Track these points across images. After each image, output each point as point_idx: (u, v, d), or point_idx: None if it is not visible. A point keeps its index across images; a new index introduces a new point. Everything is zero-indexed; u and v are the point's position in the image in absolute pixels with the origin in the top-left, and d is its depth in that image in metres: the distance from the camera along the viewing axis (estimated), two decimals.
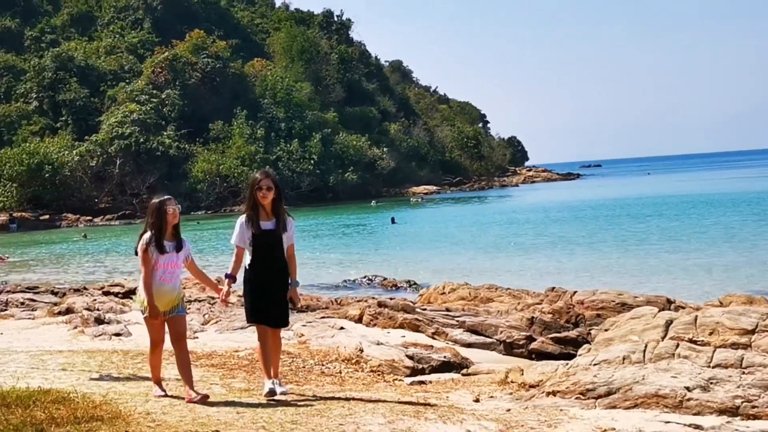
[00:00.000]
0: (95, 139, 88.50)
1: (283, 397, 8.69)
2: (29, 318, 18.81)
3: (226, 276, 8.90)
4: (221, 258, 35.67)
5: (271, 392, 8.61)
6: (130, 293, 23.34)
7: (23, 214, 79.84)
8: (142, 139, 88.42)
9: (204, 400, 8.29)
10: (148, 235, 8.62)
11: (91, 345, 14.03)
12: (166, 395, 8.64)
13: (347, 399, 9.11)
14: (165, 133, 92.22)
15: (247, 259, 8.86)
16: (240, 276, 9.07)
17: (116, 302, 20.56)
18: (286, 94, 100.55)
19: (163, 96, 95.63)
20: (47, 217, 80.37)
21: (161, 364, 8.94)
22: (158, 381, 8.84)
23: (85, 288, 25.72)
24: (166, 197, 8.72)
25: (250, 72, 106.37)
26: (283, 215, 8.83)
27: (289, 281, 8.91)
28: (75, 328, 16.04)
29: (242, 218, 8.81)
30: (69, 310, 18.57)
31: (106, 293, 23.48)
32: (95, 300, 20.49)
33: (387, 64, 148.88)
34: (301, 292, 8.89)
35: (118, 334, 15.35)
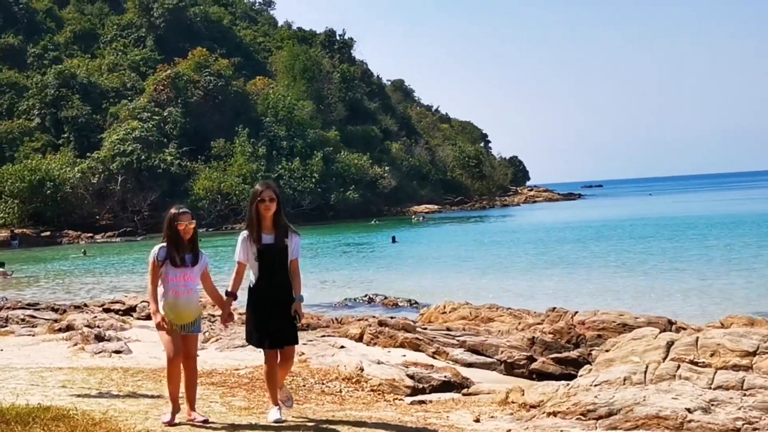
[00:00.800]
0: (97, 156, 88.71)
1: (285, 411, 8.65)
2: (29, 335, 18.80)
3: (227, 294, 8.47)
4: (220, 276, 35.63)
5: (278, 421, 8.29)
6: (130, 310, 23.34)
7: (24, 230, 79.94)
8: (143, 157, 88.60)
9: (204, 424, 8.11)
10: (158, 246, 8.29)
11: (91, 362, 14.00)
12: (172, 423, 8.11)
13: (348, 419, 9.08)
14: (167, 151, 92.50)
15: (250, 277, 8.42)
16: (242, 296, 8.66)
17: (117, 319, 20.57)
18: (288, 113, 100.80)
19: (165, 113, 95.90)
20: (48, 233, 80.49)
21: (180, 383, 8.39)
22: (176, 401, 8.31)
23: (85, 305, 25.73)
24: (180, 211, 8.28)
25: (252, 90, 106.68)
26: (285, 228, 8.41)
27: (294, 295, 8.41)
28: (75, 345, 16.02)
29: (244, 234, 8.37)
30: (69, 327, 18.55)
31: (107, 310, 23.47)
32: (95, 317, 20.47)
33: (389, 83, 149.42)
34: (301, 311, 8.44)
35: (118, 352, 15.33)
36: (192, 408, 8.32)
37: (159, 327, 8.20)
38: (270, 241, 8.28)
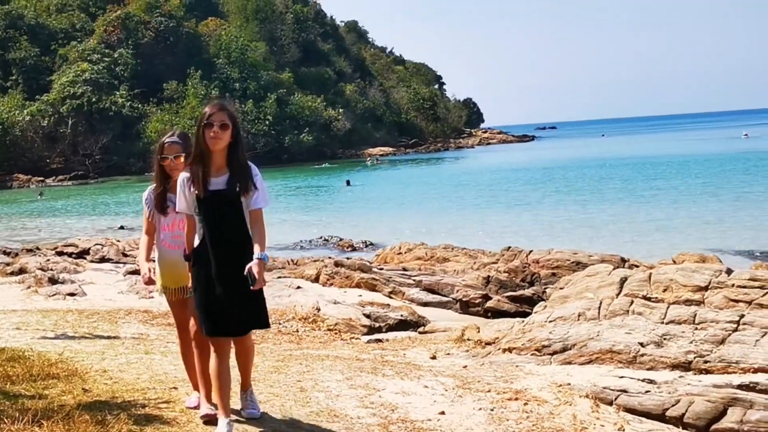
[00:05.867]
0: (46, 99, 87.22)
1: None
2: None
3: (185, 258, 6.10)
4: None
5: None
6: (84, 253, 23.15)
7: None
8: (94, 99, 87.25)
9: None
10: (150, 186, 6.63)
11: (45, 304, 13.92)
12: (198, 406, 6.35)
13: (305, 356, 9.12)
14: (118, 93, 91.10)
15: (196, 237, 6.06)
16: None
17: (70, 262, 20.40)
18: (240, 54, 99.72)
19: (116, 55, 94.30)
20: None
21: (194, 362, 6.45)
22: (197, 386, 6.43)
23: (37, 248, 25.48)
24: (167, 141, 6.50)
25: (204, 31, 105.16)
26: (243, 169, 6.03)
27: (255, 254, 5.86)
28: (28, 288, 15.90)
29: (183, 175, 6.00)
30: (22, 270, 18.42)
31: (60, 253, 23.28)
32: (48, 260, 20.31)
33: (342, 24, 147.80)
34: (261, 274, 5.84)
35: (72, 294, 15.24)
36: (196, 389, 6.59)
37: (146, 281, 6.55)
38: (219, 186, 5.93)
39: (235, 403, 6.28)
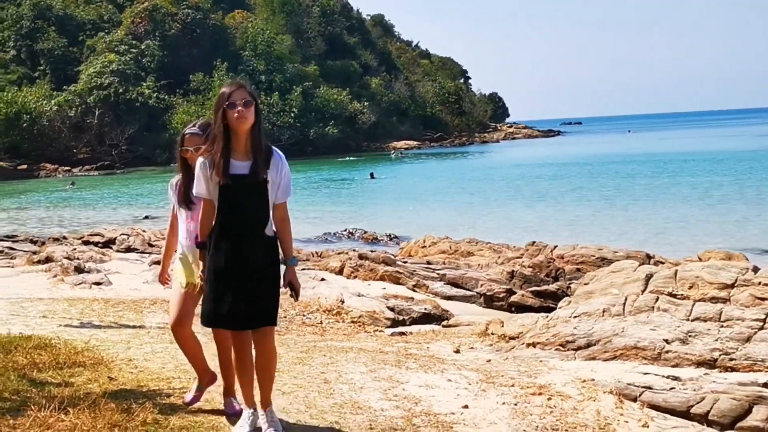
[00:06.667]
0: (74, 89, 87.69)
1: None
2: (8, 266, 18.75)
3: (197, 246, 5.82)
4: None
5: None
6: (110, 243, 23.26)
7: (0, 163, 79.13)
8: (121, 90, 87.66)
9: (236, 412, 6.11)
10: (175, 178, 6.34)
11: (71, 293, 14.00)
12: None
13: (329, 348, 9.13)
14: (144, 84, 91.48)
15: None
16: None
17: (96, 251, 20.50)
18: (266, 47, 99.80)
19: (143, 47, 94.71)
20: (25, 167, 79.69)
21: (198, 353, 6.45)
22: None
23: (64, 237, 25.65)
24: (188, 133, 6.22)
25: (230, 24, 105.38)
26: (266, 152, 5.62)
27: (284, 259, 5.72)
28: (55, 276, 16.00)
29: (201, 160, 5.65)
30: (48, 259, 18.52)
31: (86, 243, 23.40)
32: (75, 249, 20.41)
33: (368, 17, 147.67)
34: (298, 281, 5.77)
35: (98, 283, 15.33)
36: (228, 392, 6.35)
37: (162, 280, 6.86)
38: (242, 170, 5.54)
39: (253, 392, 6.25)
